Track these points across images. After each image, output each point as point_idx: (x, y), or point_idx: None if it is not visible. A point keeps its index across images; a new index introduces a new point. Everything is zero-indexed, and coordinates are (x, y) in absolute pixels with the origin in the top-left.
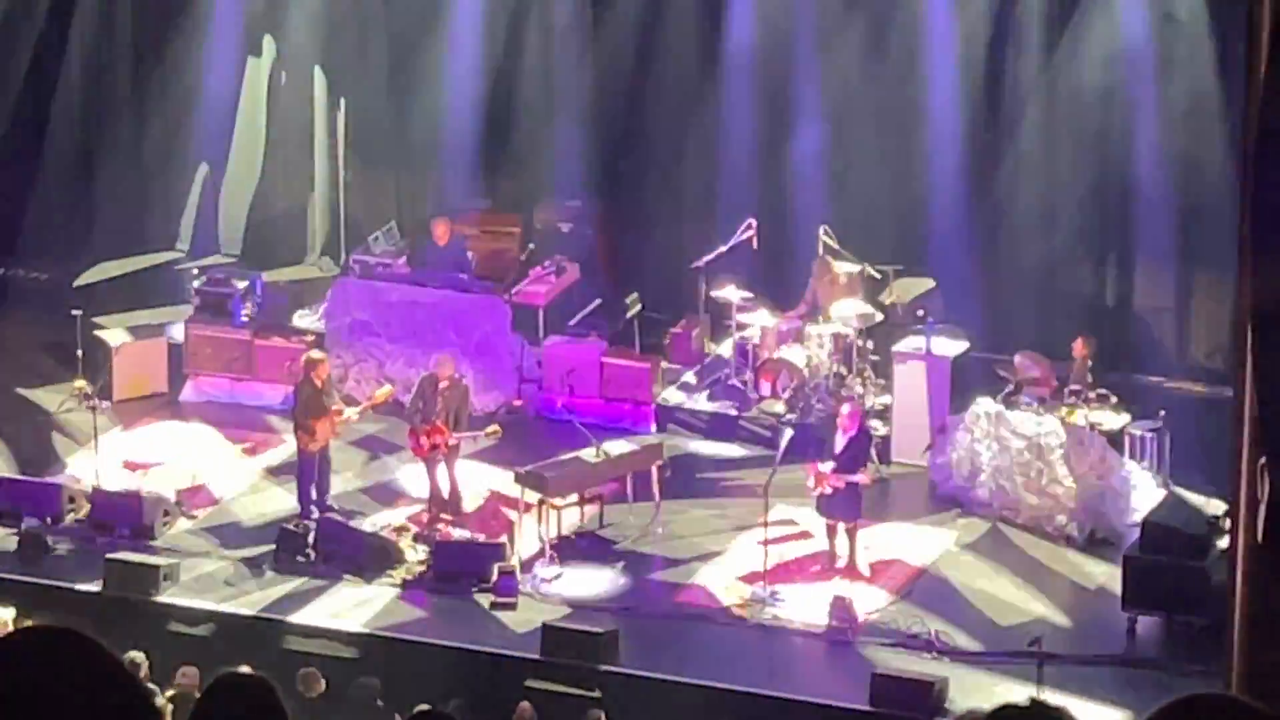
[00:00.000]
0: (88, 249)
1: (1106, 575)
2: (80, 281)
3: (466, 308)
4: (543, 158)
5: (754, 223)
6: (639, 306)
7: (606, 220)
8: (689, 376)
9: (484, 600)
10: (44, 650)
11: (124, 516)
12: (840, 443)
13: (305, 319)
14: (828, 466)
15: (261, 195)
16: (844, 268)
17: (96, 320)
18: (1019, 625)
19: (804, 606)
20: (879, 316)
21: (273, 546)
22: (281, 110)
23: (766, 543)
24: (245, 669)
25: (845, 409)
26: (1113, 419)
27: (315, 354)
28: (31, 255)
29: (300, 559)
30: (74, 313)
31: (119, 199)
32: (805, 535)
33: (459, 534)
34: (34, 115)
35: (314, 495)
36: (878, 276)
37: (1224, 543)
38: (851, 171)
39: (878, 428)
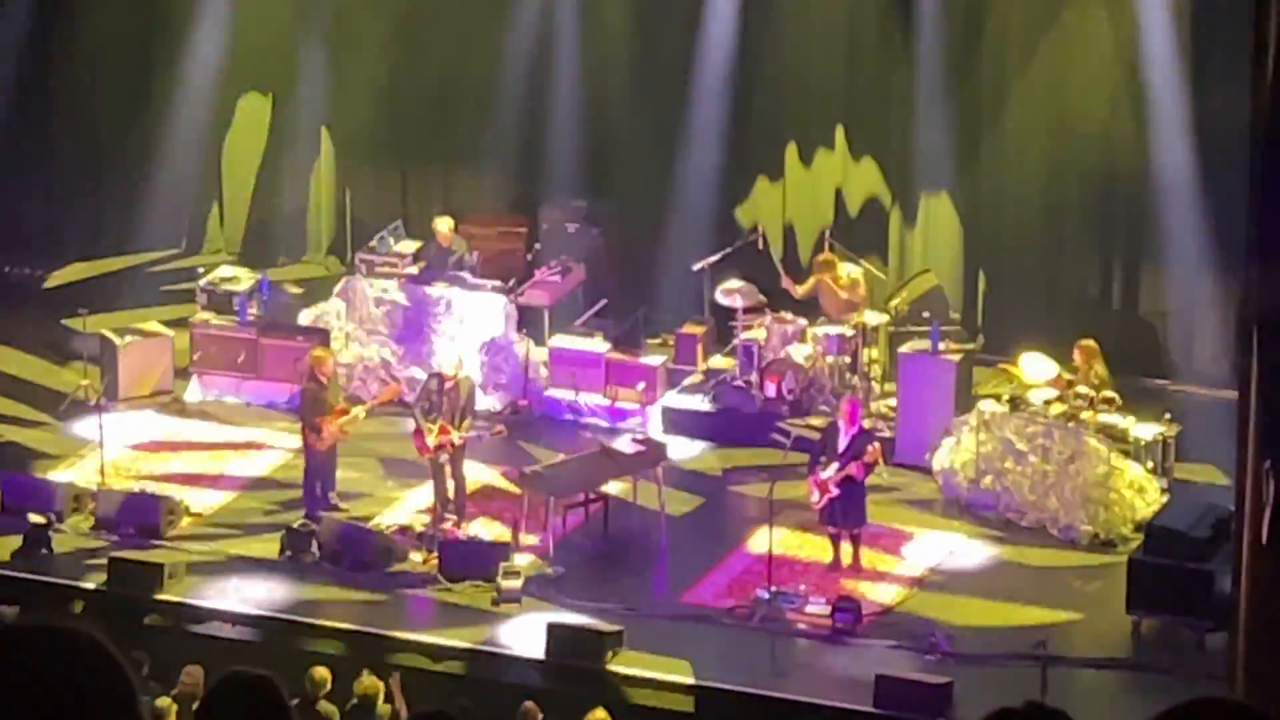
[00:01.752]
0: (88, 247)
1: (1111, 578)
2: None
3: (472, 307)
4: (549, 157)
5: (760, 225)
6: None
7: (613, 221)
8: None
9: (488, 599)
10: (46, 648)
11: (129, 515)
12: (843, 442)
13: (311, 318)
14: (829, 472)
15: (263, 192)
16: (848, 269)
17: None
18: (1023, 628)
19: (808, 608)
20: (883, 318)
21: (278, 546)
22: (283, 106)
23: (771, 543)
24: (250, 668)
25: (844, 403)
26: (1118, 422)
27: (320, 351)
28: (35, 254)
29: (306, 558)
30: (80, 311)
31: (120, 197)
32: (810, 537)
33: (464, 533)
34: (36, 113)
35: (319, 494)
36: (882, 277)
37: (1229, 546)
38: (857, 174)
39: (882, 430)
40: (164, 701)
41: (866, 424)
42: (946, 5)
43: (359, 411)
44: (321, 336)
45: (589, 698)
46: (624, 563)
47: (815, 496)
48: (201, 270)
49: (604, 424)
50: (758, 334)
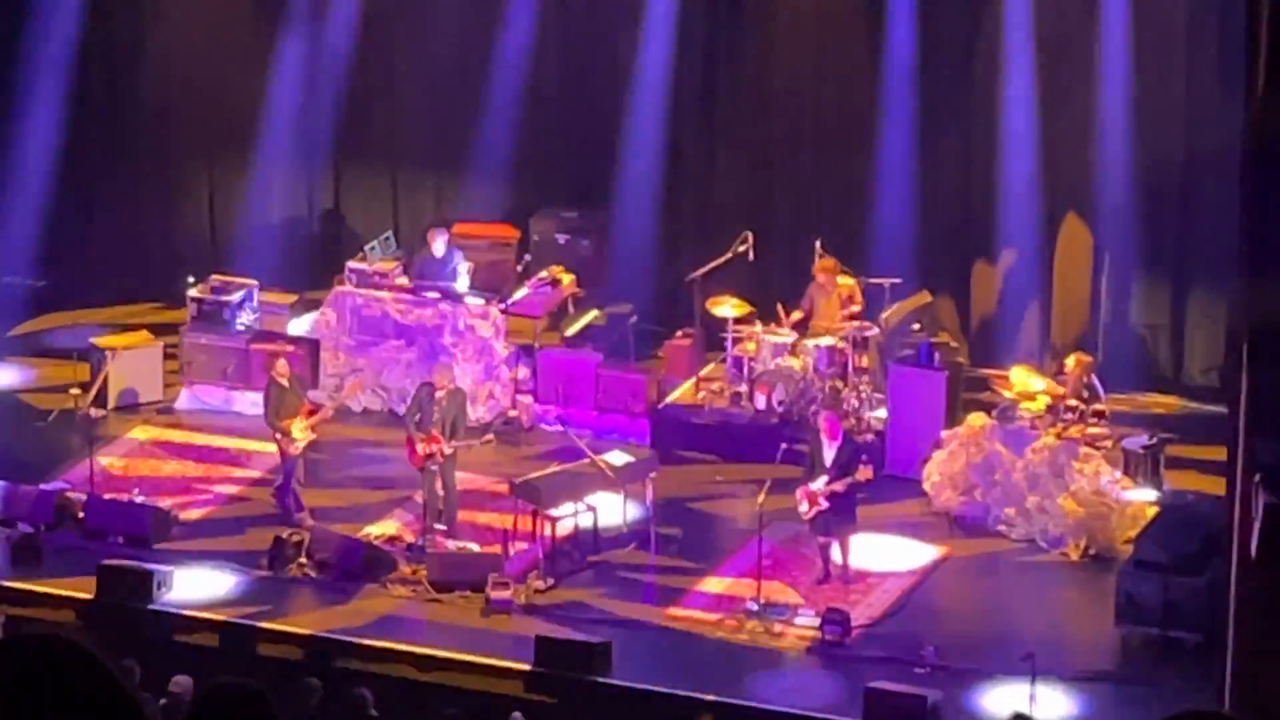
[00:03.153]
0: (87, 256)
1: (1100, 591)
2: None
3: (462, 318)
4: (540, 168)
5: (750, 235)
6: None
7: (603, 232)
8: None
9: (477, 610)
10: (38, 659)
11: (119, 524)
12: (829, 456)
13: (302, 328)
14: (819, 484)
15: (259, 206)
16: (840, 281)
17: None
18: (1012, 640)
19: (797, 620)
20: (874, 330)
21: (267, 555)
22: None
23: (760, 554)
24: (238, 678)
25: (823, 420)
26: (1108, 435)
27: (275, 355)
28: (28, 262)
29: (295, 568)
30: (70, 320)
31: (119, 207)
32: (800, 548)
33: (453, 544)
34: (40, 122)
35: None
36: (872, 283)
37: (1218, 560)
38: (848, 185)
39: (867, 439)
40: (164, 702)
41: (857, 438)
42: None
43: (325, 411)
44: (312, 347)
45: (577, 710)
46: (613, 574)
47: (804, 507)
48: (191, 279)
49: (593, 435)
50: (748, 345)
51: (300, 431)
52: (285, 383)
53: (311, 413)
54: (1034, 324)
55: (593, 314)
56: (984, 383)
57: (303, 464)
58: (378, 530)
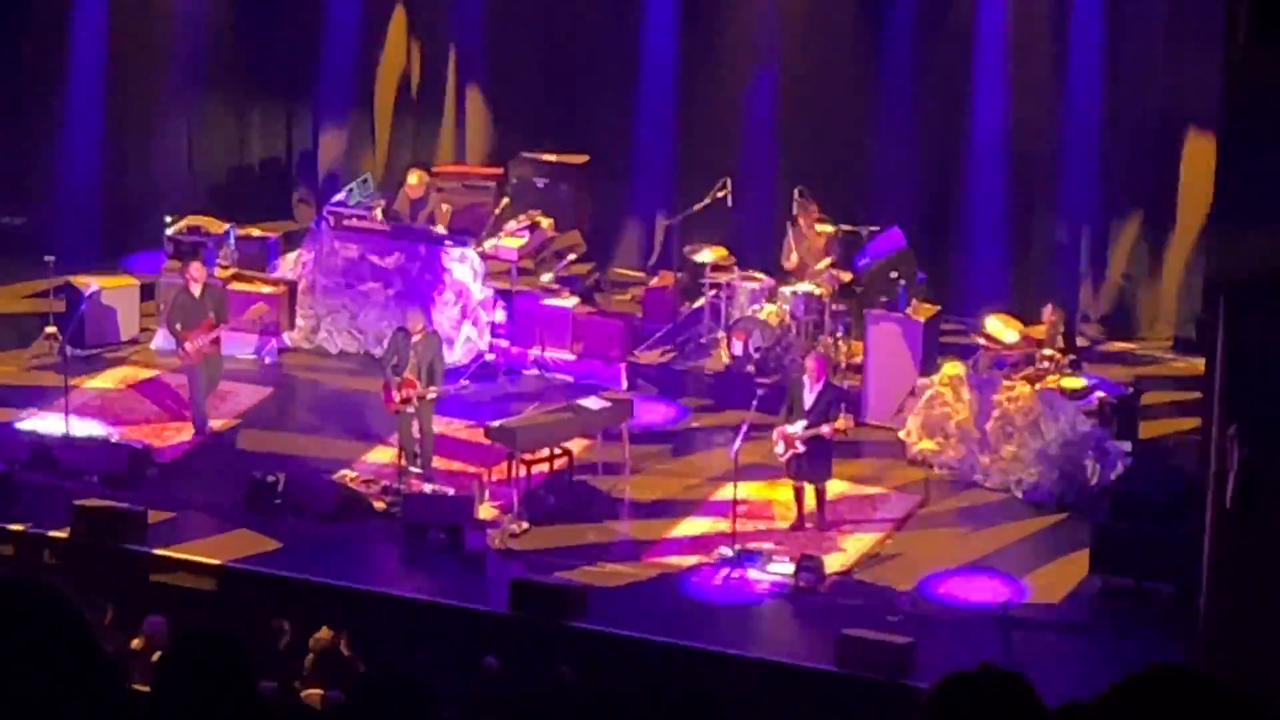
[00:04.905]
0: (61, 194)
1: (1075, 541)
2: None
3: (440, 260)
4: (519, 112)
5: (729, 181)
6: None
7: (581, 176)
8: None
9: (452, 554)
10: (6, 600)
11: (94, 464)
12: (809, 399)
13: (279, 269)
14: (797, 427)
15: (238, 146)
16: (819, 229)
17: None
18: (986, 589)
19: (771, 566)
20: (851, 277)
21: (243, 496)
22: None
23: (735, 501)
24: (211, 625)
25: (811, 360)
26: (1083, 385)
27: (194, 264)
28: (5, 200)
29: (269, 509)
30: (47, 259)
31: (92, 144)
32: (774, 494)
33: (429, 487)
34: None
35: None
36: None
37: (1193, 510)
38: (825, 132)
39: (849, 387)
40: (138, 642)
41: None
42: None
43: (218, 331)
44: (288, 287)
45: (552, 654)
46: (588, 519)
47: (780, 448)
48: (168, 219)
49: (570, 380)
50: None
51: (191, 346)
52: (196, 291)
53: (211, 328)
54: (1011, 273)
55: (572, 257)
56: (960, 331)
57: (205, 381)
58: (353, 473)
